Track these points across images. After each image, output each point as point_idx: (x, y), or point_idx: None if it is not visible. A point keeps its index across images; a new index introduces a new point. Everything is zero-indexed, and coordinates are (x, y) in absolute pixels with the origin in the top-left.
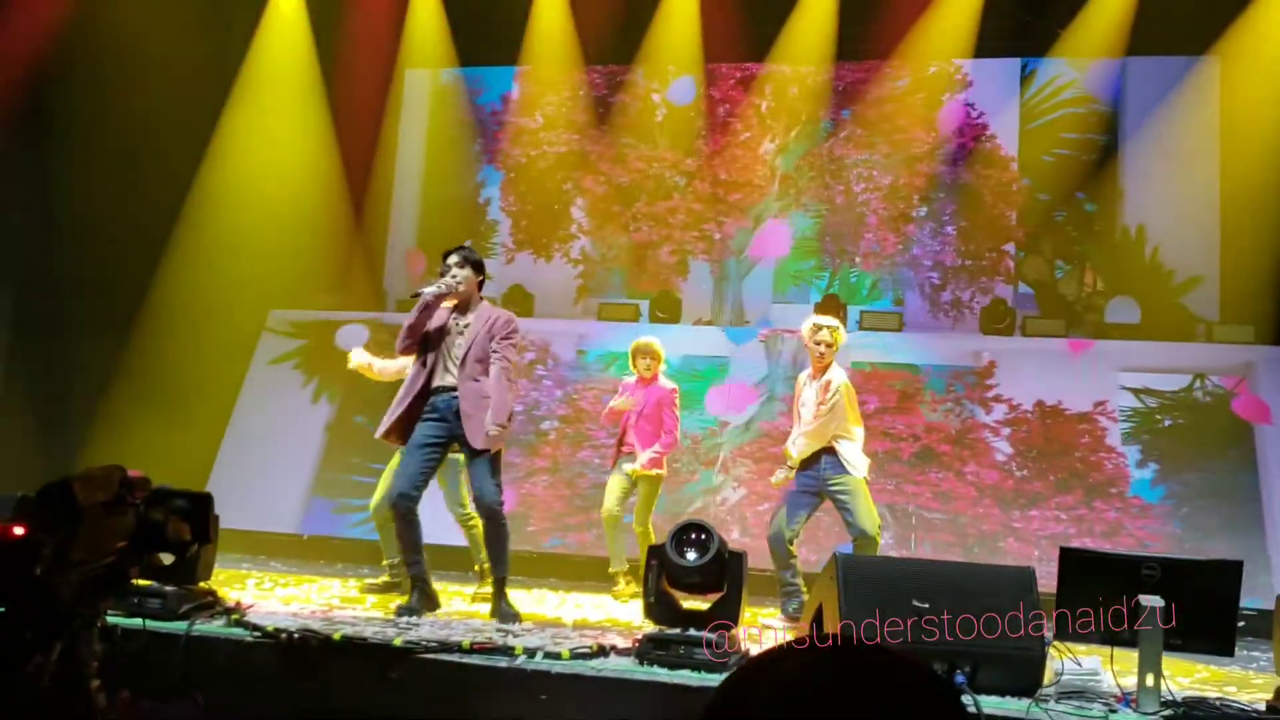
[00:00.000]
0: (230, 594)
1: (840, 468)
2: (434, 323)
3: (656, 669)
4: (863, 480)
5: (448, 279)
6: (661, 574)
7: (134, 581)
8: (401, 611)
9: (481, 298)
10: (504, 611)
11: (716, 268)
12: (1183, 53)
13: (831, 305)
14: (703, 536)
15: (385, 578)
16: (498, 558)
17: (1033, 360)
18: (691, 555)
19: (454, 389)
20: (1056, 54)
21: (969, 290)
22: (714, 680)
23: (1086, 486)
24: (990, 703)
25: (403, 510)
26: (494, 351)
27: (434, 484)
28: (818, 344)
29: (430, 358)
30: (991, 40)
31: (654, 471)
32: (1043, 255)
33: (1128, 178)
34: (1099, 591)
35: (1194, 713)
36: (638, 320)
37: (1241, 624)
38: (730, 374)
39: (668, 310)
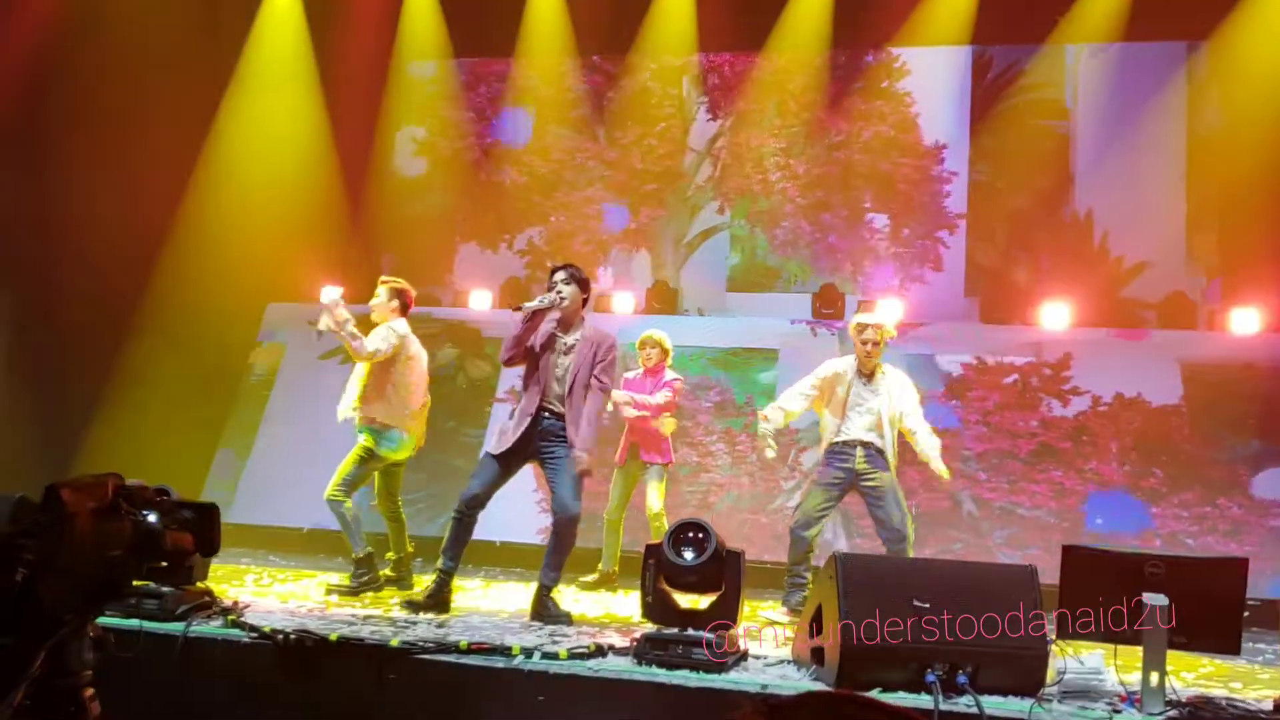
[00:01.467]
0: (229, 591)
1: (880, 462)
2: (540, 339)
3: (654, 669)
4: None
5: (551, 294)
6: (659, 573)
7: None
8: (410, 606)
9: (584, 317)
10: (553, 613)
11: (654, 255)
12: (1144, 39)
13: (830, 295)
14: (700, 535)
15: (388, 570)
16: (558, 565)
17: (1090, 351)
18: (689, 554)
19: (552, 411)
20: (1016, 41)
21: (899, 278)
22: (712, 680)
23: (1204, 483)
24: (992, 703)
25: (468, 514)
26: (595, 378)
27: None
28: (864, 343)
29: (539, 377)
30: (948, 28)
31: (661, 461)
32: (995, 243)
33: (1080, 164)
34: (1102, 590)
35: (1200, 713)
36: (632, 312)
37: (1246, 614)
38: (780, 369)
39: (664, 301)
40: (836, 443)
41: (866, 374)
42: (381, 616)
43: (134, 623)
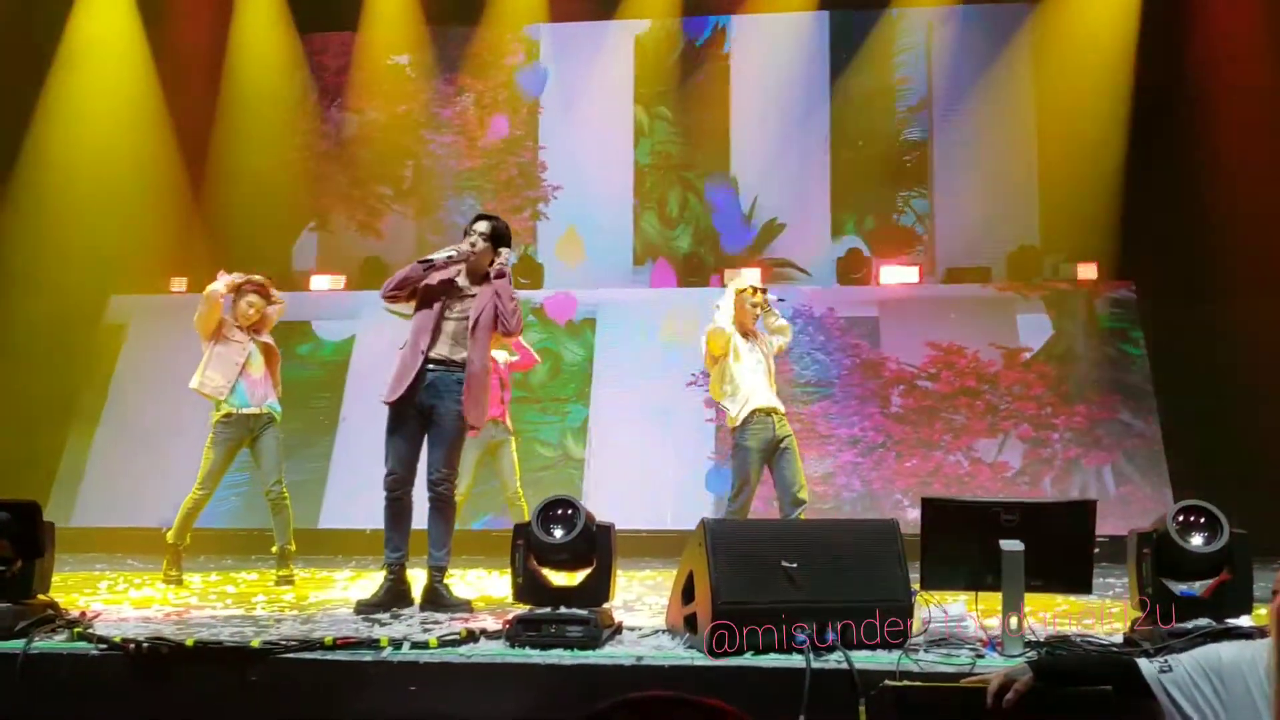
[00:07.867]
0: (78, 601)
1: (786, 425)
2: (435, 288)
3: (529, 650)
4: None
5: (464, 245)
6: (529, 553)
7: None
8: (362, 608)
9: (491, 275)
10: (449, 601)
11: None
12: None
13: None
14: (569, 512)
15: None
16: (446, 542)
17: None
18: (559, 532)
19: (442, 362)
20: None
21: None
22: (587, 657)
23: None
24: (861, 657)
25: (399, 493)
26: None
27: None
28: (753, 306)
29: (429, 324)
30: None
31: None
32: (665, 216)
33: (736, 132)
34: (961, 539)
35: (1056, 651)
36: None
37: (1096, 550)
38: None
39: (530, 275)
40: (750, 412)
41: (749, 336)
42: (243, 616)
43: None
